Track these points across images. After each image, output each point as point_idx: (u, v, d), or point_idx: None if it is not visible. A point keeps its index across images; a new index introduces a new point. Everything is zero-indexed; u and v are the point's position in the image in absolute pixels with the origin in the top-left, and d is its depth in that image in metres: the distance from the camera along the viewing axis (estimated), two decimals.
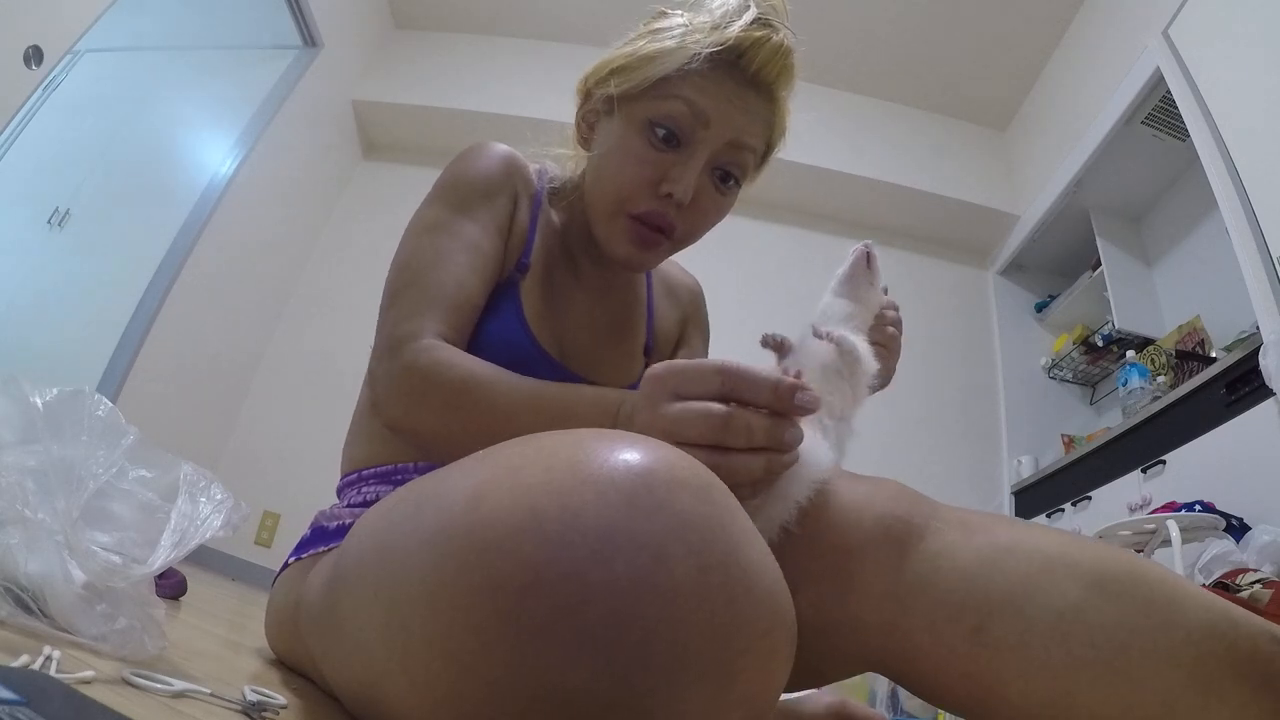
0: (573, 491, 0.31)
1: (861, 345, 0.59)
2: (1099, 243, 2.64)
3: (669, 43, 0.61)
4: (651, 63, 0.62)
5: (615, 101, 0.64)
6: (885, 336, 0.65)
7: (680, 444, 0.38)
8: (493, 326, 0.64)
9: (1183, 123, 2.05)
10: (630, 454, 0.33)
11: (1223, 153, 1.86)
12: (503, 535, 0.31)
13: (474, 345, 0.63)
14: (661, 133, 0.62)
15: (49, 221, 2.42)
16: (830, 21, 2.91)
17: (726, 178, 0.65)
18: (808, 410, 0.43)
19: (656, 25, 0.65)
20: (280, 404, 2.81)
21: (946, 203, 3.04)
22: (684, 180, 0.61)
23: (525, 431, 0.42)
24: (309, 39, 2.83)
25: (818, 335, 0.58)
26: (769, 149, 0.69)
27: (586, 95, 0.69)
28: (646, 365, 0.74)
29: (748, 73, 0.62)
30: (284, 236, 2.91)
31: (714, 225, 0.68)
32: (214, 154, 2.63)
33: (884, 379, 0.65)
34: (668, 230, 0.64)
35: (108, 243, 2.47)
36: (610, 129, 0.65)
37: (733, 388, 0.42)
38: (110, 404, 0.52)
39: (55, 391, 0.49)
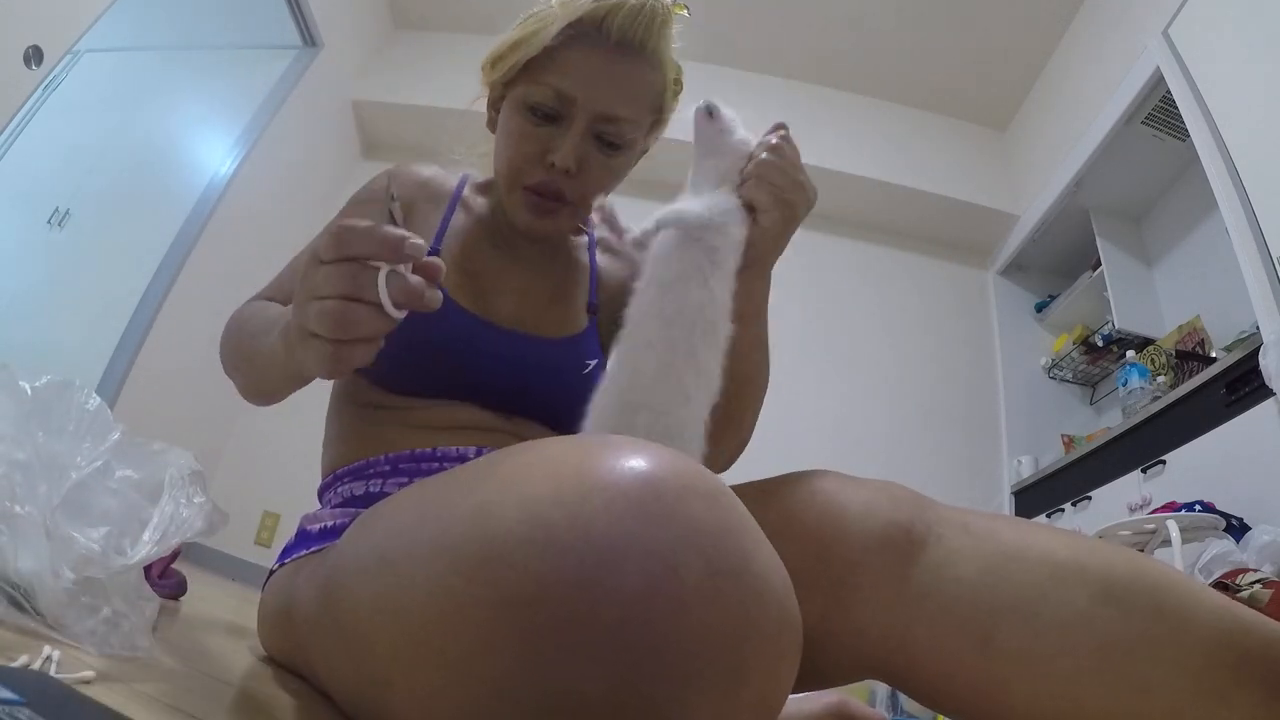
0: (581, 501, 0.31)
1: (690, 212, 0.53)
2: (1099, 243, 2.64)
3: (533, 25, 0.65)
4: (518, 48, 0.65)
5: (502, 88, 0.69)
6: (748, 187, 0.58)
7: (313, 335, 0.41)
8: None
9: (1183, 123, 2.05)
10: (637, 461, 0.33)
11: (1223, 153, 1.86)
12: (511, 547, 0.31)
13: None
14: (539, 112, 0.66)
15: (49, 221, 2.41)
16: (829, 21, 2.91)
17: (610, 144, 0.68)
18: (415, 256, 0.41)
19: (532, 9, 0.67)
20: (280, 404, 2.81)
21: (946, 203, 3.04)
22: (563, 150, 0.65)
23: (259, 335, 0.56)
24: (309, 39, 2.83)
25: (642, 243, 0.55)
26: (661, 106, 0.71)
27: (489, 85, 0.74)
28: (591, 320, 0.78)
29: (610, 40, 0.64)
30: (284, 236, 2.90)
31: (612, 186, 0.72)
32: (214, 154, 2.62)
33: (772, 220, 0.58)
34: (560, 197, 0.68)
35: (108, 243, 2.47)
36: (503, 112, 0.70)
37: (346, 249, 0.41)
38: (99, 399, 0.52)
39: (45, 380, 0.49)
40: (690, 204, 0.55)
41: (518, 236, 0.77)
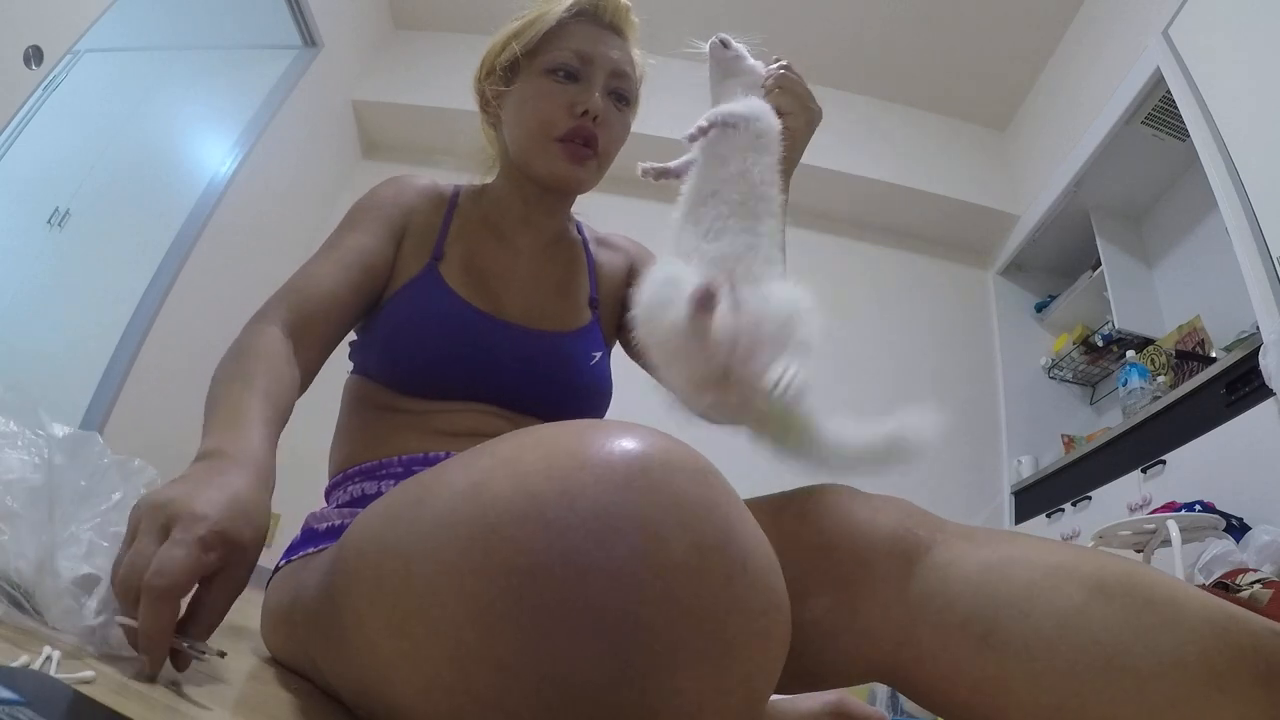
0: (571, 476, 0.32)
1: (727, 108, 0.59)
2: (1099, 243, 2.64)
3: (541, 8, 0.77)
4: (538, 21, 0.76)
5: (516, 65, 0.76)
6: (775, 96, 0.66)
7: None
8: (418, 303, 0.72)
9: (1183, 123, 2.05)
10: (626, 440, 0.34)
11: (1223, 153, 1.86)
12: (504, 521, 0.31)
13: (404, 321, 0.71)
14: (562, 74, 0.74)
15: (49, 221, 2.41)
16: (830, 21, 2.91)
17: (620, 98, 0.78)
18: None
19: (525, 8, 0.79)
20: None
21: (946, 203, 3.05)
22: (591, 97, 0.73)
23: (224, 392, 0.57)
24: (309, 39, 2.83)
25: (694, 139, 0.60)
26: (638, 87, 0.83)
27: (485, 79, 0.80)
28: (594, 315, 0.81)
29: (604, 21, 0.77)
30: (284, 236, 2.91)
31: (623, 141, 0.80)
32: (214, 154, 2.62)
33: (798, 122, 0.66)
34: (591, 142, 0.74)
35: (108, 243, 2.47)
36: (515, 93, 0.77)
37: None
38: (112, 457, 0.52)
39: (69, 431, 0.49)
40: (732, 105, 0.61)
41: (522, 234, 0.80)
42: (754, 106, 0.61)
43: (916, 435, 0.51)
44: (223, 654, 0.40)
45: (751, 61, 0.65)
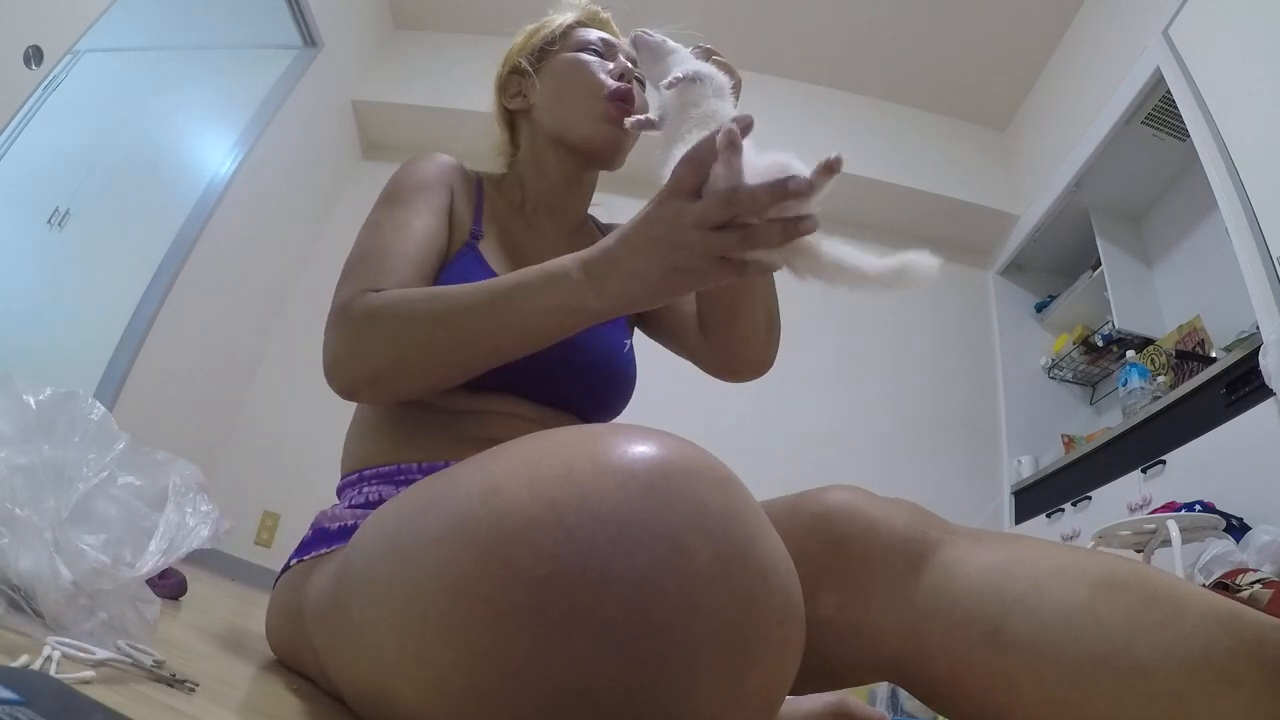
0: (592, 483, 0.31)
1: (692, 64, 0.66)
2: (1099, 243, 2.64)
3: (557, 15, 0.85)
4: (547, 23, 0.84)
5: (553, 41, 0.83)
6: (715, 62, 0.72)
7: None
8: (463, 282, 0.71)
9: (1183, 123, 2.05)
10: (646, 446, 0.33)
11: (1223, 153, 1.86)
12: (522, 527, 0.31)
13: None
14: (591, 50, 0.81)
15: (49, 221, 2.41)
16: (830, 21, 2.91)
17: (639, 82, 0.84)
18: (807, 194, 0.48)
19: (525, 8, 0.88)
20: (280, 404, 2.81)
21: (946, 203, 3.05)
22: (620, 60, 0.81)
23: (478, 319, 0.55)
24: (309, 39, 2.84)
25: (671, 86, 0.66)
26: None
27: (509, 74, 0.85)
28: None
29: (604, 29, 0.86)
30: (284, 236, 2.91)
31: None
32: (214, 154, 2.62)
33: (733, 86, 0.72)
34: (630, 99, 0.79)
35: (108, 243, 2.47)
36: (547, 72, 0.82)
37: (741, 210, 0.48)
38: (104, 409, 0.52)
39: (49, 391, 0.49)
40: (698, 63, 0.66)
41: (545, 220, 0.82)
42: (711, 67, 0.67)
43: (923, 262, 0.57)
44: (193, 687, 0.40)
45: (674, 44, 0.71)
